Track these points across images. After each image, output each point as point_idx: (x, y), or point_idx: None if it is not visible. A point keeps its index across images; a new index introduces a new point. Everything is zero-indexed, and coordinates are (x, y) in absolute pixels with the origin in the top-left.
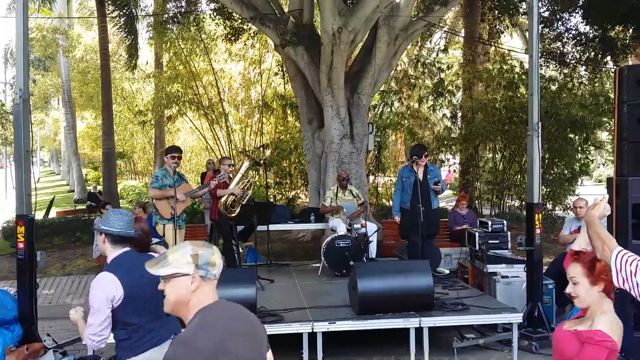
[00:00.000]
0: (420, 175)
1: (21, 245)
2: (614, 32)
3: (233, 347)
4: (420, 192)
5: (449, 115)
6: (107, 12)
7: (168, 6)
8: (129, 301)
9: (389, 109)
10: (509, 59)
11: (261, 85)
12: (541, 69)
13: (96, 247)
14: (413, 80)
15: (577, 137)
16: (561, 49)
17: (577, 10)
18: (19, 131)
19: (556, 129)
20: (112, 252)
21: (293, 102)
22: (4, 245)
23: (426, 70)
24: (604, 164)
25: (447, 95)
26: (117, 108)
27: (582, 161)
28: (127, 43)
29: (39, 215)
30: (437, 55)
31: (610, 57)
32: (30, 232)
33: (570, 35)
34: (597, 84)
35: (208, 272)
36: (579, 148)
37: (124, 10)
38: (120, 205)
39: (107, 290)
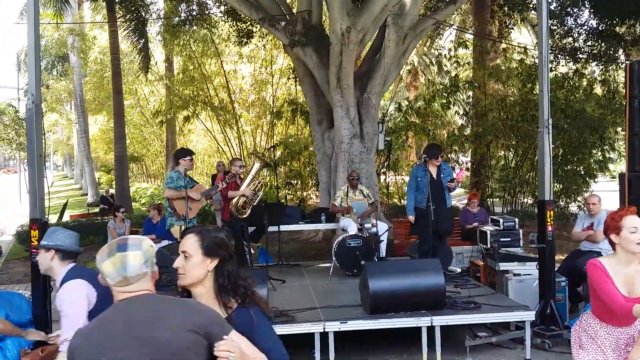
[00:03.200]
0: (435, 175)
1: (35, 249)
2: (623, 28)
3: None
4: (434, 191)
5: (461, 112)
6: (118, 17)
7: (179, 8)
8: (101, 303)
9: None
10: (524, 57)
11: (272, 86)
12: (552, 64)
13: None
14: (423, 79)
15: (592, 136)
16: (572, 44)
17: (585, 5)
18: (31, 136)
19: (572, 129)
20: (63, 267)
21: (302, 105)
22: (18, 249)
23: (436, 68)
24: (615, 161)
25: (462, 90)
26: (131, 111)
27: (600, 157)
28: (139, 46)
29: (53, 219)
30: (456, 49)
31: (621, 52)
32: (44, 236)
33: (582, 30)
34: (611, 80)
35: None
36: (596, 144)
37: (134, 14)
38: (133, 208)
39: (82, 291)
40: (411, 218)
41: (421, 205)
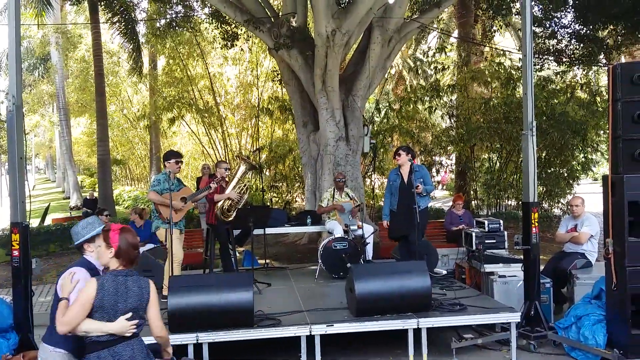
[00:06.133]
0: (405, 177)
1: (16, 253)
2: (606, 32)
3: None
4: (406, 193)
5: (444, 115)
6: (107, 18)
7: (162, 10)
8: None
9: (393, 114)
10: (503, 60)
11: (257, 89)
12: (535, 66)
13: None
14: (408, 82)
15: (574, 138)
16: (555, 46)
17: (569, 10)
18: (12, 138)
19: (554, 130)
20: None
21: (287, 103)
22: None
23: (420, 72)
24: (598, 163)
25: (443, 94)
26: (117, 114)
27: (583, 159)
28: (130, 47)
29: (34, 222)
30: (435, 55)
31: (603, 56)
32: (25, 239)
33: (565, 33)
34: (592, 84)
35: None
36: (578, 146)
37: (124, 15)
38: (116, 211)
39: None
40: (384, 223)
41: (393, 208)
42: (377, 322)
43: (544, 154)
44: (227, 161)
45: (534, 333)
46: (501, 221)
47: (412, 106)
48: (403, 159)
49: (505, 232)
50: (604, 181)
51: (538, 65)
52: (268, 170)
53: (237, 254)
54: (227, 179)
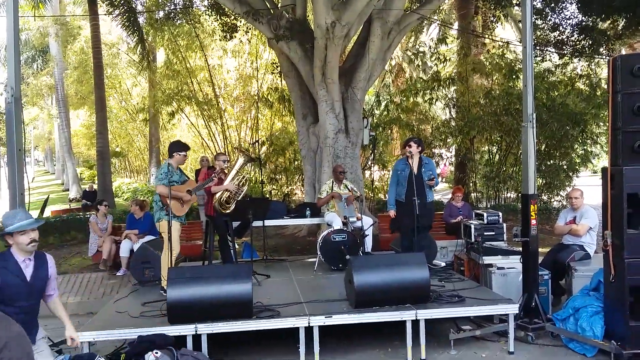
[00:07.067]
0: (415, 168)
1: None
2: (607, 23)
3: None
4: (414, 185)
5: (444, 106)
6: (108, 11)
7: (161, 1)
8: None
9: (393, 106)
10: (507, 52)
11: (257, 81)
12: (536, 58)
13: (91, 245)
14: (408, 75)
15: (574, 130)
16: (557, 37)
17: (571, 1)
18: (11, 130)
19: (553, 121)
20: None
21: (286, 95)
22: None
23: (420, 63)
24: (598, 155)
25: (444, 85)
26: (116, 105)
27: (582, 152)
28: (134, 40)
29: (34, 214)
30: (437, 46)
31: (604, 47)
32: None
33: (567, 25)
34: (592, 76)
35: None
36: (578, 139)
37: (124, 7)
38: (116, 203)
39: None
40: (391, 213)
41: (400, 199)
42: (376, 314)
43: (543, 147)
44: (227, 153)
45: (532, 324)
46: (500, 213)
47: (412, 99)
48: (414, 150)
49: (504, 224)
50: (603, 173)
51: (539, 57)
52: (268, 163)
53: (236, 246)
54: (225, 171)
